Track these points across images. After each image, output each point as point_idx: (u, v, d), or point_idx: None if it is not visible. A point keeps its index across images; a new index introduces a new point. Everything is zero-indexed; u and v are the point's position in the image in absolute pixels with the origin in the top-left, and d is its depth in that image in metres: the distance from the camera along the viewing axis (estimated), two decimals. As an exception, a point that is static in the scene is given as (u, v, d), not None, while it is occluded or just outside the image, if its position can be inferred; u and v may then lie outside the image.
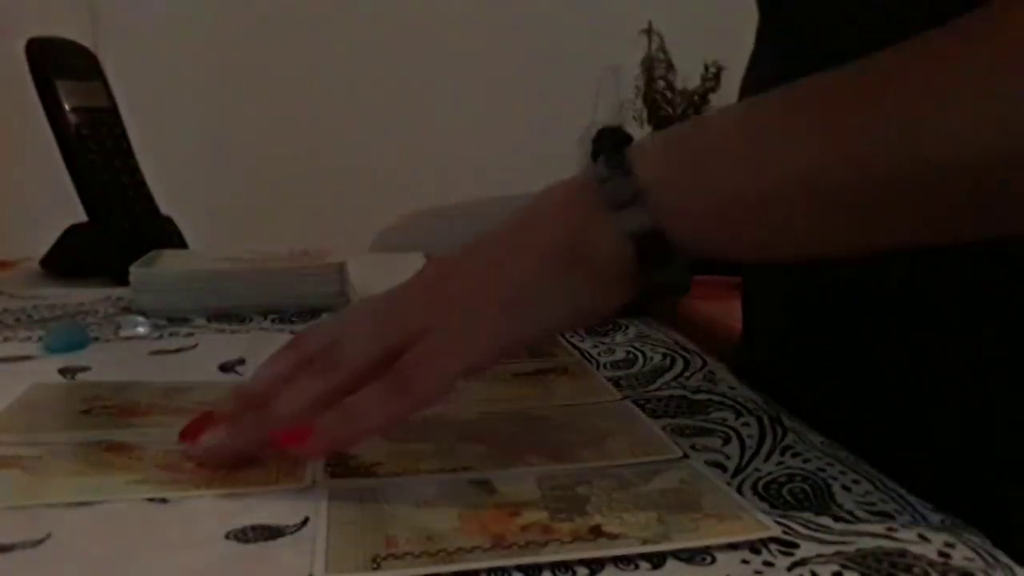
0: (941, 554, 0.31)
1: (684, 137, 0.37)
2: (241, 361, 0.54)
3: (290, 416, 0.37)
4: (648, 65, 1.96)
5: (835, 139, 0.33)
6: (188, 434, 0.39)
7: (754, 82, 0.54)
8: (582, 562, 0.30)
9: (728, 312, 0.63)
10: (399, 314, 0.38)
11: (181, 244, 0.85)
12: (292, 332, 0.61)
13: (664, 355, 0.55)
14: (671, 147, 0.37)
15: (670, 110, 1.95)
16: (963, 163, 0.31)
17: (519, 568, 0.30)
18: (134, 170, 0.83)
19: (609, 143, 0.36)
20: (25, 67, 0.79)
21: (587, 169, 0.36)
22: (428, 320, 0.36)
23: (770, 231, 0.35)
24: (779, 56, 0.51)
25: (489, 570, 0.30)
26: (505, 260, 0.37)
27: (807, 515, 0.34)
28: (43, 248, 0.83)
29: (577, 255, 0.36)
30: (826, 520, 0.33)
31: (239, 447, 0.38)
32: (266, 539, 0.32)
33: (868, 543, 0.31)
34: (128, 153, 0.83)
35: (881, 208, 0.33)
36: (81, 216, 0.80)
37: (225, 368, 0.53)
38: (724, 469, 0.38)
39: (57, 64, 0.80)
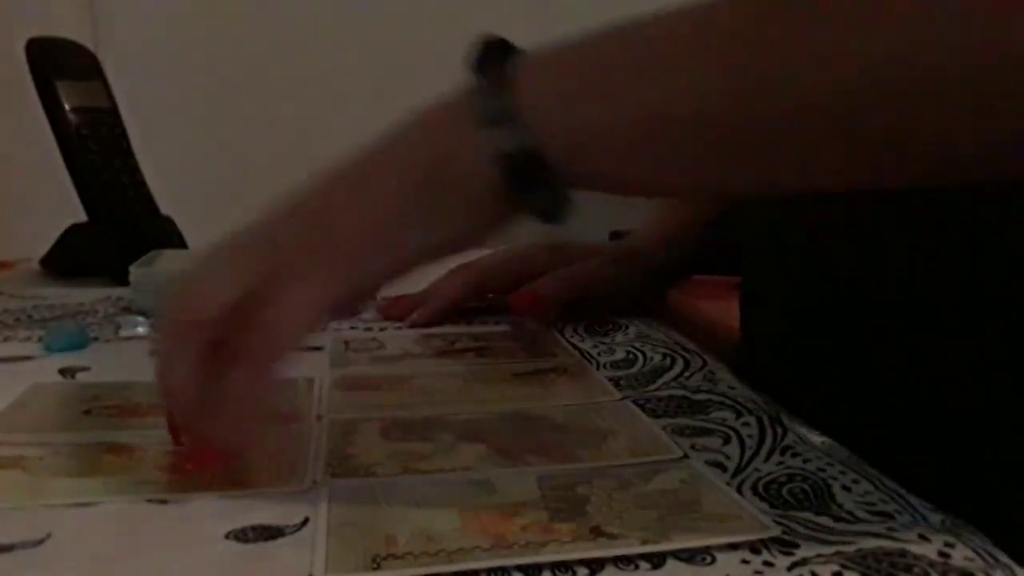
0: (941, 554, 0.31)
1: (571, 54, 0.34)
2: (241, 361, 0.54)
3: (177, 389, 0.35)
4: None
5: (730, 70, 0.30)
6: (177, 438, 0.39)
7: None
8: (582, 562, 0.30)
9: (728, 312, 0.63)
10: (249, 254, 0.36)
11: (181, 244, 0.85)
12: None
13: (664, 355, 0.55)
14: (555, 64, 0.34)
15: (670, 110, 1.94)
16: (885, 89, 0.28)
17: (519, 568, 0.30)
18: (134, 170, 0.83)
19: (492, 54, 0.34)
20: (25, 67, 0.79)
21: (463, 84, 0.34)
22: (277, 259, 0.34)
23: (654, 160, 0.33)
24: None
25: (489, 570, 0.30)
26: (364, 183, 0.35)
27: (807, 515, 0.34)
28: (43, 248, 0.83)
29: (443, 177, 0.33)
30: (826, 520, 0.33)
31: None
32: (266, 539, 0.32)
33: (868, 543, 0.31)
34: (128, 153, 0.83)
35: (777, 145, 0.31)
36: (81, 216, 0.80)
37: (225, 368, 0.53)
38: (724, 469, 0.38)
39: (57, 64, 0.80)
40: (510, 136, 0.32)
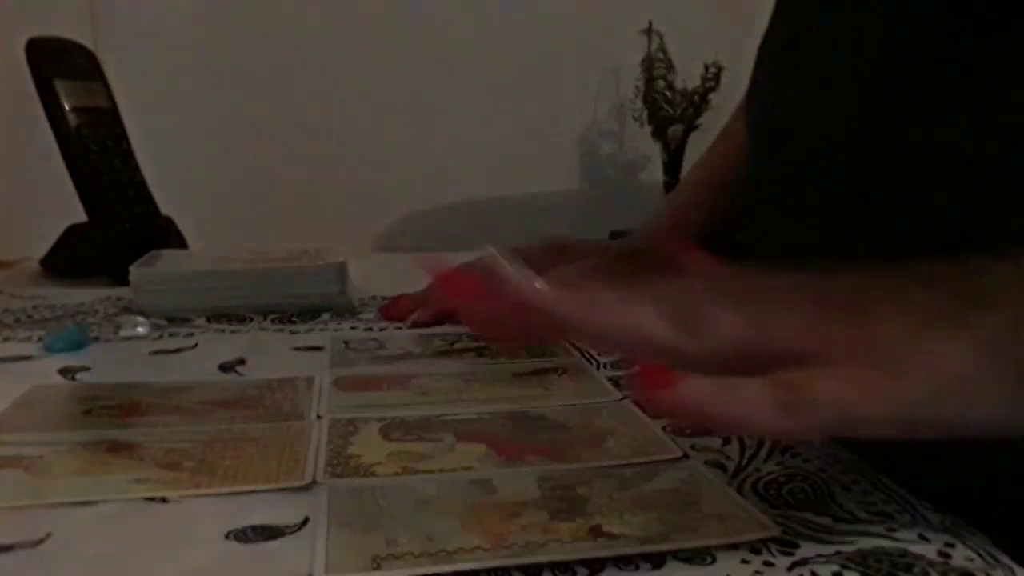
0: (941, 554, 0.31)
1: None
2: (241, 361, 0.54)
3: (610, 331, 0.33)
4: (648, 65, 1.96)
5: None
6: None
7: (767, 52, 0.55)
8: (582, 562, 0.30)
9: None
10: (770, 316, 0.32)
11: (181, 244, 0.85)
12: (292, 332, 0.61)
13: (664, 355, 0.55)
14: None
15: (670, 110, 1.95)
16: None
17: (519, 568, 0.30)
18: (134, 170, 0.83)
19: None
20: (25, 67, 0.79)
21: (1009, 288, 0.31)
22: (819, 348, 0.31)
23: None
24: (790, 21, 0.51)
25: (489, 570, 0.30)
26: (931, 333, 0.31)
27: (807, 515, 0.34)
28: (43, 248, 0.83)
29: None
30: (826, 520, 0.33)
31: (548, 309, 0.34)
32: (266, 539, 0.32)
33: (868, 543, 0.31)
34: (128, 153, 0.83)
35: None
36: (81, 216, 0.80)
37: (225, 368, 0.53)
38: (724, 469, 0.38)
39: (57, 64, 0.80)
40: None
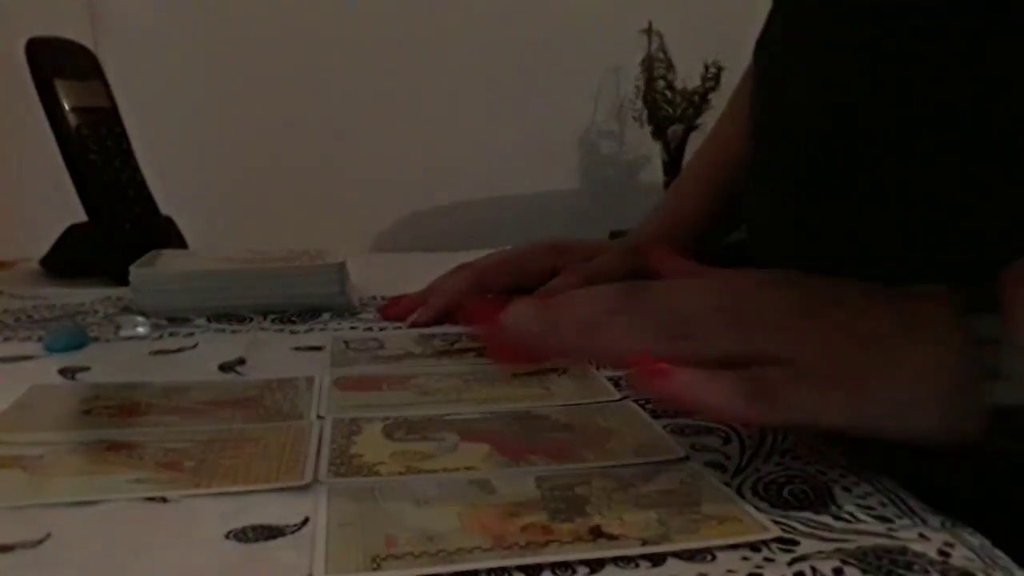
0: (941, 553, 0.31)
1: None
2: (241, 361, 0.54)
3: (609, 352, 0.36)
4: (648, 65, 1.96)
5: None
6: (477, 315, 0.39)
7: (767, 46, 0.55)
8: (582, 561, 0.30)
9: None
10: (755, 329, 0.36)
11: (181, 244, 0.85)
12: (292, 332, 0.61)
13: (664, 355, 0.55)
14: None
15: (670, 110, 1.95)
16: None
17: (519, 568, 0.30)
18: (134, 170, 0.83)
19: (989, 294, 0.34)
20: (25, 67, 0.79)
21: (964, 316, 0.34)
22: (791, 353, 0.35)
23: None
24: (786, 20, 0.51)
25: (489, 570, 0.30)
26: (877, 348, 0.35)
27: (807, 515, 0.34)
28: (43, 248, 0.83)
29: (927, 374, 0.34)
30: (826, 519, 0.33)
31: (548, 344, 0.37)
32: (266, 539, 0.32)
33: (868, 541, 0.31)
34: (128, 153, 0.83)
35: None
36: (81, 216, 0.80)
37: (225, 368, 0.53)
38: (724, 470, 0.38)
39: (57, 64, 0.80)
40: (1007, 393, 0.33)
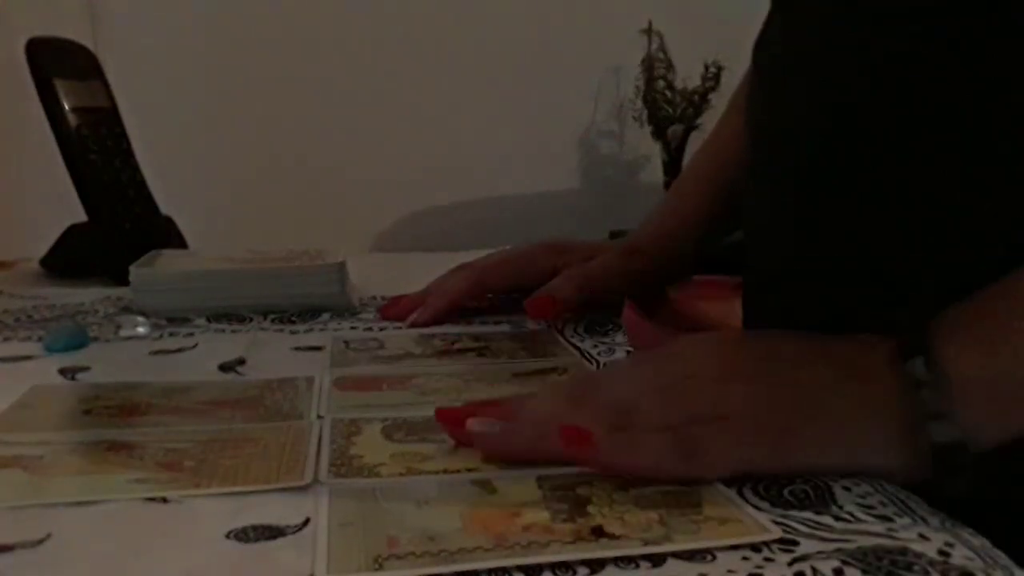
0: (941, 553, 0.31)
1: (994, 327, 0.37)
2: (241, 361, 0.54)
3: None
4: (648, 65, 1.96)
5: None
6: (449, 418, 0.40)
7: (767, 47, 0.55)
8: (582, 561, 0.30)
9: (729, 312, 0.62)
10: (691, 399, 0.38)
11: (181, 244, 0.85)
12: (292, 332, 0.61)
13: (664, 355, 0.55)
14: (982, 342, 0.37)
15: (670, 110, 1.95)
16: None
17: (520, 568, 0.30)
18: (134, 170, 0.83)
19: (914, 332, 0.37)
20: (25, 67, 0.79)
21: (898, 362, 0.37)
22: (721, 411, 0.37)
23: None
24: (786, 20, 0.52)
25: (491, 570, 0.30)
26: (803, 398, 0.38)
27: (807, 515, 0.34)
28: (43, 248, 0.83)
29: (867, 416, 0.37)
30: (827, 519, 0.33)
31: (512, 448, 0.39)
32: (267, 539, 0.32)
33: (868, 541, 0.31)
34: (128, 153, 0.83)
35: None
36: (81, 216, 0.80)
37: (225, 368, 0.53)
38: (725, 469, 0.38)
39: (57, 64, 0.80)
40: (946, 431, 0.35)
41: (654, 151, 2.03)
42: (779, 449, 0.37)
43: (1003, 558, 0.31)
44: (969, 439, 0.35)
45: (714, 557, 0.31)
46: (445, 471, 0.38)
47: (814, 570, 0.30)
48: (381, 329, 0.62)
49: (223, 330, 0.62)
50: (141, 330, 0.61)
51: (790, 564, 0.30)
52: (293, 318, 0.65)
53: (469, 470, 0.38)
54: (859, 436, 0.37)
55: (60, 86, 0.78)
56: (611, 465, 0.37)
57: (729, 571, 0.30)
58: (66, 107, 0.78)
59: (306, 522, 0.33)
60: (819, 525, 0.33)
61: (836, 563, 0.30)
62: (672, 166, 1.95)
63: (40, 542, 0.32)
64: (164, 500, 0.35)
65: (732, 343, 0.43)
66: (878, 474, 0.36)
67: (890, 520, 0.33)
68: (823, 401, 0.37)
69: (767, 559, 0.30)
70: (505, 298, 0.66)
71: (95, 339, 0.59)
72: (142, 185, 0.84)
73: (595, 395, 0.40)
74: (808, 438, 0.37)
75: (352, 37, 1.96)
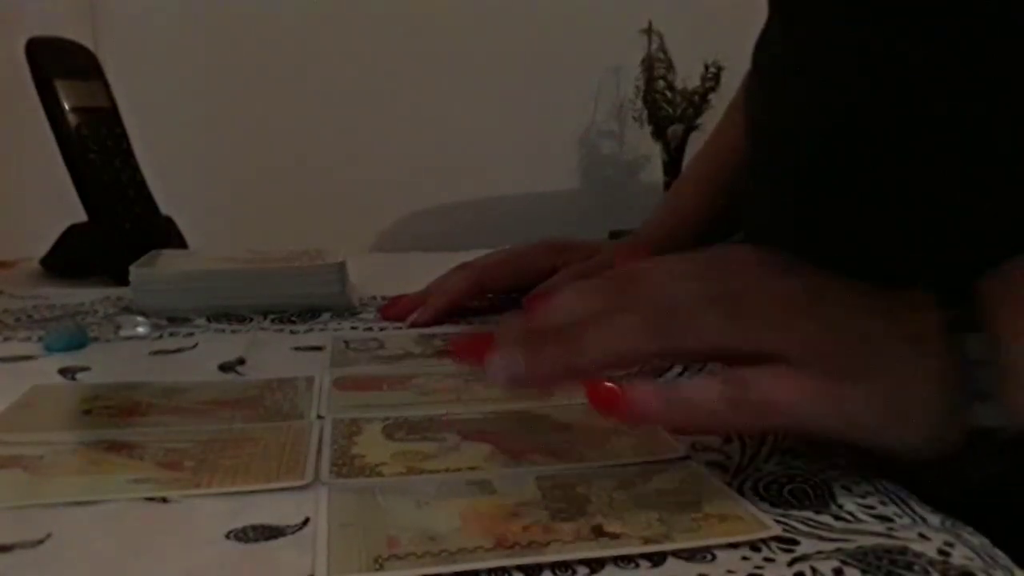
0: (941, 552, 0.31)
1: None
2: (241, 361, 0.54)
3: (603, 358, 0.34)
4: (648, 65, 1.97)
5: None
6: (465, 350, 0.37)
7: (766, 47, 0.55)
8: (582, 561, 0.30)
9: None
10: (752, 324, 0.34)
11: (181, 244, 0.85)
12: (292, 332, 0.61)
13: (664, 355, 0.55)
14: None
15: (670, 110, 1.95)
16: None
17: (520, 568, 0.30)
18: (134, 170, 0.83)
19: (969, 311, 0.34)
20: (25, 67, 0.79)
21: (954, 334, 0.34)
22: (782, 349, 0.33)
23: None
24: (786, 21, 0.52)
25: (491, 570, 0.30)
26: (864, 349, 0.34)
27: (807, 514, 0.34)
28: (43, 248, 0.83)
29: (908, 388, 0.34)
30: (826, 519, 0.33)
31: (540, 377, 0.35)
32: (267, 539, 0.32)
33: (868, 541, 0.31)
34: (128, 153, 0.83)
35: None
36: (81, 216, 0.80)
37: (225, 368, 0.53)
38: (725, 469, 0.38)
39: (57, 64, 0.80)
40: (991, 414, 0.33)
41: (654, 151, 2.03)
42: (838, 406, 0.33)
43: (1003, 558, 0.31)
44: (1012, 425, 0.33)
45: (714, 557, 0.31)
46: (447, 470, 0.38)
47: (814, 570, 0.30)
48: (381, 329, 0.62)
49: (223, 330, 0.62)
50: (141, 330, 0.61)
51: (790, 564, 0.30)
52: (293, 318, 0.65)
53: (471, 469, 0.38)
54: (908, 404, 0.34)
55: (60, 86, 0.78)
56: (650, 422, 0.33)
57: (729, 571, 0.30)
58: (66, 107, 0.78)
59: (306, 522, 0.33)
60: (819, 524, 0.33)
61: (836, 563, 0.30)
62: (672, 166, 1.95)
63: (40, 542, 0.32)
64: (164, 500, 0.35)
65: (782, 265, 0.37)
66: (905, 448, 0.34)
67: (890, 520, 0.33)
68: (884, 362, 0.34)
69: (767, 559, 0.30)
70: (505, 298, 0.66)
71: (95, 339, 0.59)
72: (142, 185, 0.84)
73: (633, 292, 0.36)
74: (867, 400, 0.33)
75: (352, 37, 1.96)
